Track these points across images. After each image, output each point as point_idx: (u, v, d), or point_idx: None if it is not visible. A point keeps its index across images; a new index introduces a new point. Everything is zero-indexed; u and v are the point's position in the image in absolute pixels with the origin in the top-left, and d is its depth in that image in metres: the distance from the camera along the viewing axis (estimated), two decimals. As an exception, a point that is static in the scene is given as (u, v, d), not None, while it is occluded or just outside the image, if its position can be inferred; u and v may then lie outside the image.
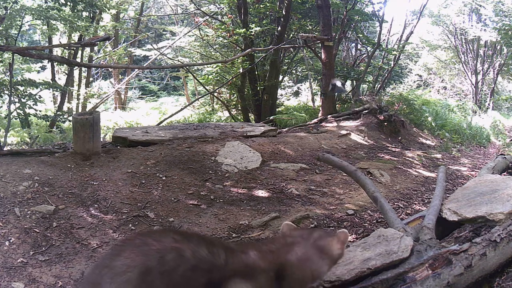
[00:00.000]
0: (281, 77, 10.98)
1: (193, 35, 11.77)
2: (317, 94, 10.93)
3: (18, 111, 7.41)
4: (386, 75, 11.10)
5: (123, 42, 14.70)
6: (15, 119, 7.73)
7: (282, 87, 13.59)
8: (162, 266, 1.27)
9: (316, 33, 8.62)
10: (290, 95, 14.27)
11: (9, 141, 7.32)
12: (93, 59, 12.17)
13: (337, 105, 8.93)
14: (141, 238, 1.36)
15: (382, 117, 7.11)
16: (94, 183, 3.66)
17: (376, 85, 10.80)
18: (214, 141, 5.20)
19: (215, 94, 10.72)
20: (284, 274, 1.49)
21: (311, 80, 11.78)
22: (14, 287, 2.27)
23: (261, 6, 9.05)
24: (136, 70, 14.12)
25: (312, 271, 1.54)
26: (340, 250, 1.63)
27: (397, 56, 11.25)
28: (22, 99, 7.04)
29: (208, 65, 10.12)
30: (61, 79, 11.65)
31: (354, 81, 10.57)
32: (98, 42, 8.90)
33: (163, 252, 1.29)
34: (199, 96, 12.80)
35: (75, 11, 7.89)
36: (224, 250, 1.42)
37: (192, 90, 16.67)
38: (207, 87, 10.29)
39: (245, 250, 1.49)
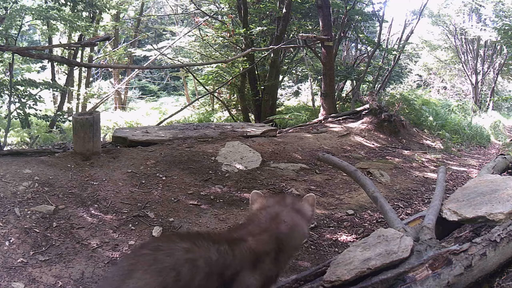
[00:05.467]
0: (281, 77, 10.98)
1: (193, 35, 11.77)
2: (317, 94, 10.92)
3: (18, 111, 7.41)
4: (386, 75, 11.10)
5: (123, 42, 14.70)
6: (15, 119, 7.73)
7: (282, 87, 13.59)
8: (178, 283, 1.23)
9: (316, 33, 8.62)
10: (290, 95, 14.27)
11: (9, 141, 7.33)
12: (93, 59, 12.17)
13: (337, 105, 8.93)
14: (152, 253, 1.29)
15: (382, 117, 7.11)
16: (94, 183, 3.66)
17: (376, 85, 10.80)
18: (214, 141, 5.20)
19: (215, 94, 10.72)
20: (281, 246, 1.54)
21: (311, 80, 11.78)
22: (14, 287, 2.27)
23: (261, 6, 9.05)
24: (136, 70, 14.12)
25: (300, 234, 1.65)
26: (311, 211, 1.77)
27: (397, 56, 11.25)
28: (22, 99, 7.03)
29: (208, 65, 10.12)
30: (61, 79, 11.65)
31: (354, 81, 10.57)
32: (98, 42, 8.89)
33: (177, 268, 1.25)
34: (199, 96, 12.80)
35: (75, 11, 7.89)
36: (228, 243, 1.42)
37: (192, 90, 16.67)
38: (207, 87, 10.29)
39: (243, 237, 1.50)
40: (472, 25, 14.29)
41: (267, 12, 9.32)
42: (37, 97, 7.42)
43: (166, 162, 4.34)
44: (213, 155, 4.70)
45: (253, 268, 1.43)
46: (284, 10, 8.34)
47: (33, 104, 7.10)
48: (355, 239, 3.11)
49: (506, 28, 11.81)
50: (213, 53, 11.47)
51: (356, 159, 5.56)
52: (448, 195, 2.66)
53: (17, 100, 7.06)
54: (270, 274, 1.50)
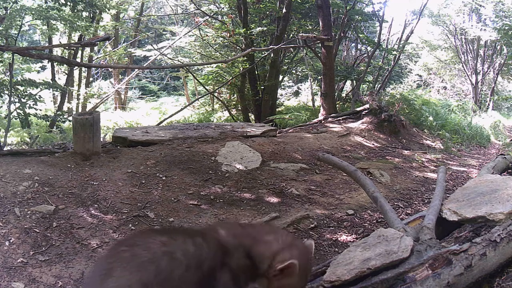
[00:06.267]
0: (281, 77, 10.98)
1: (193, 35, 11.77)
2: (317, 94, 10.93)
3: (18, 111, 7.41)
4: (386, 75, 11.10)
5: (123, 42, 14.70)
6: (15, 119, 7.73)
7: (282, 87, 13.59)
8: (158, 276, 1.22)
9: (316, 33, 8.62)
10: (290, 95, 14.27)
11: (9, 141, 7.32)
12: (93, 59, 12.17)
13: (337, 105, 8.93)
14: (129, 250, 1.26)
15: (382, 117, 7.12)
16: (94, 183, 3.66)
17: (376, 85, 10.80)
18: (214, 141, 5.20)
19: (215, 94, 10.72)
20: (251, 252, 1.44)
21: (311, 80, 11.78)
22: (14, 287, 2.28)
23: (261, 6, 9.05)
24: (136, 70, 14.12)
25: (240, 255, 1.43)
26: (269, 265, 1.39)
27: (397, 56, 11.25)
28: (22, 99, 7.04)
29: (208, 65, 10.13)
30: (61, 79, 11.65)
31: (354, 81, 10.57)
32: (98, 42, 8.90)
33: (156, 261, 1.23)
34: (199, 96, 12.80)
35: (75, 11, 7.90)
36: (202, 236, 1.39)
37: (192, 90, 16.67)
38: (207, 87, 10.29)
39: (216, 230, 1.46)
40: (472, 25, 14.29)
41: (267, 12, 9.32)
42: (37, 97, 7.41)
43: (166, 162, 4.35)
44: (213, 155, 4.70)
45: (222, 263, 1.39)
46: (284, 10, 8.34)
47: (33, 104, 7.10)
48: (355, 239, 3.12)
49: (506, 28, 11.81)
50: (213, 53, 11.47)
51: (356, 159, 5.56)
52: (448, 195, 2.66)
53: (17, 100, 7.06)
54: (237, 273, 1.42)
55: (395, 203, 4.03)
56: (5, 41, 6.71)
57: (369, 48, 11.13)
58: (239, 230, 1.51)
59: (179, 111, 9.41)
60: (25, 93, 7.11)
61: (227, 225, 1.56)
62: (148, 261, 1.22)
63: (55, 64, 9.99)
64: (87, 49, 11.61)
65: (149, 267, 1.21)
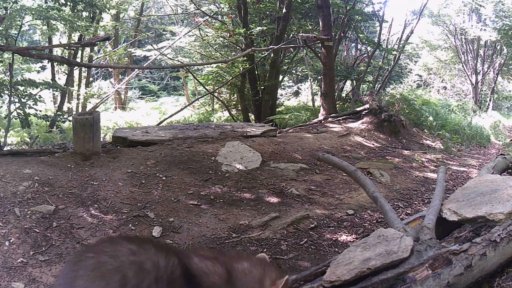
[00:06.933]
0: (281, 77, 10.98)
1: (193, 35, 11.77)
2: (317, 94, 10.92)
3: (18, 111, 7.41)
4: (386, 75, 11.10)
5: (123, 42, 14.70)
6: (15, 119, 7.73)
7: (282, 87, 13.59)
8: (123, 287, 1.14)
9: (316, 33, 8.62)
10: (290, 95, 14.26)
11: (9, 141, 7.32)
12: (93, 59, 12.17)
13: (337, 105, 8.93)
14: (95, 257, 1.19)
15: (382, 117, 7.12)
16: (94, 183, 3.66)
17: (376, 85, 10.80)
18: (214, 141, 5.20)
19: (215, 94, 10.72)
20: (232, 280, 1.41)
21: (311, 80, 11.78)
22: (14, 287, 2.27)
23: (261, 6, 9.05)
24: (136, 70, 14.12)
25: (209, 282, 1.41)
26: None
27: (397, 56, 11.25)
28: (22, 99, 7.03)
29: (208, 65, 10.13)
30: (61, 79, 11.64)
31: (354, 81, 10.57)
32: (98, 42, 8.90)
33: (123, 270, 1.16)
34: (199, 96, 12.80)
35: (75, 11, 7.89)
36: (176, 256, 1.34)
37: (192, 90, 16.67)
38: (207, 87, 10.29)
39: (191, 255, 1.42)
40: (472, 25, 14.28)
41: (267, 12, 9.32)
42: (37, 97, 7.41)
43: (166, 162, 4.35)
44: (213, 155, 4.70)
45: None
46: (284, 10, 8.34)
47: (33, 104, 7.10)
48: (355, 239, 3.12)
49: (506, 28, 11.81)
50: (213, 53, 11.47)
51: (356, 159, 5.56)
52: (448, 195, 2.66)
53: (17, 100, 7.05)
54: None
55: (395, 203, 4.03)
56: (5, 41, 6.71)
57: (369, 48, 11.13)
58: (212, 258, 1.45)
59: (179, 111, 9.42)
60: (25, 93, 7.11)
61: (201, 251, 1.51)
62: (114, 269, 1.15)
63: (55, 64, 9.99)
64: (87, 49, 11.61)
65: (115, 276, 1.14)
